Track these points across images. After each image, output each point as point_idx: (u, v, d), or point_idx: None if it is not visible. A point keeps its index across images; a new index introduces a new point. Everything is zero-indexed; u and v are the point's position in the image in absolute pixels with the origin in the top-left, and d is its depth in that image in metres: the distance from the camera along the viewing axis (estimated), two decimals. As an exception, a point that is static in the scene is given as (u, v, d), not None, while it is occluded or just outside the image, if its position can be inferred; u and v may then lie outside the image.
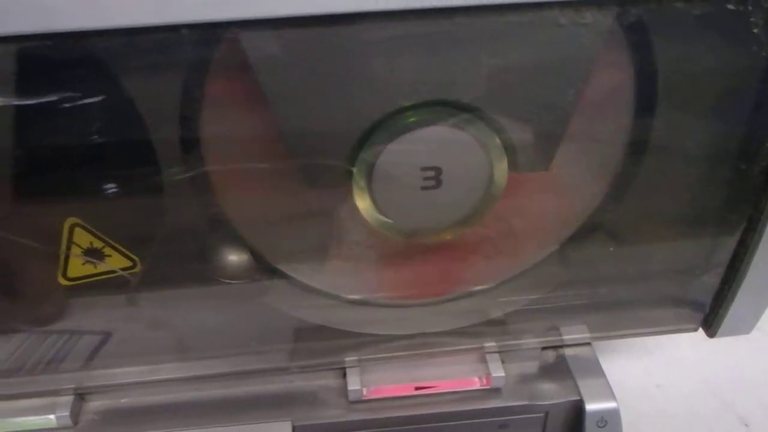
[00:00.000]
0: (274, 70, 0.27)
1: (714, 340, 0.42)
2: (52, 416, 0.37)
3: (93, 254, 0.34)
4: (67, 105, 0.27)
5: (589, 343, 0.41)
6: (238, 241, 0.35)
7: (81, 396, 0.38)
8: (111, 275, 0.35)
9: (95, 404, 0.38)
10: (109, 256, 0.34)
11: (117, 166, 0.31)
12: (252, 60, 0.26)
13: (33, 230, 0.32)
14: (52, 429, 0.37)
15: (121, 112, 0.28)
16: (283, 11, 0.25)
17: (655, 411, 0.49)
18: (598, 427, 0.38)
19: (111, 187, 0.30)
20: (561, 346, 0.41)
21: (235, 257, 0.35)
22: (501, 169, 0.30)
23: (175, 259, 0.35)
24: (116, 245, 0.34)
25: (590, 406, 0.38)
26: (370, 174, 0.30)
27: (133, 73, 0.27)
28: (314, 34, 0.26)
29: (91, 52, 0.26)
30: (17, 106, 0.27)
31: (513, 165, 0.30)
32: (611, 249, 0.35)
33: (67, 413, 0.37)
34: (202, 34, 0.27)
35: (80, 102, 0.27)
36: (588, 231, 0.36)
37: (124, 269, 0.35)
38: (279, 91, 0.27)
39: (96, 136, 0.29)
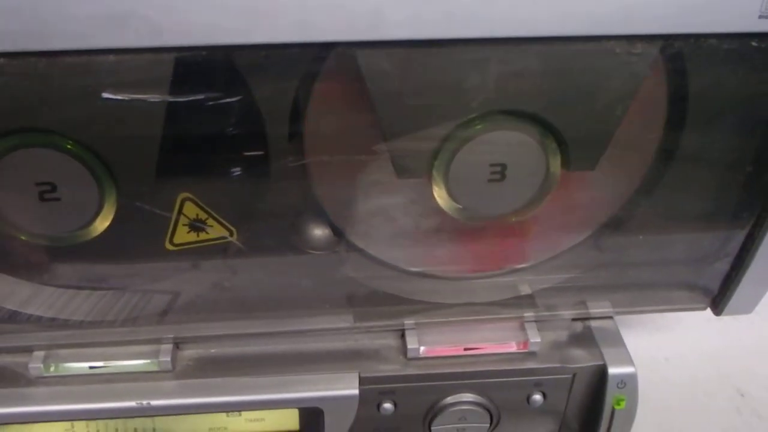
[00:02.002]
0: (383, 81, 0.32)
1: (715, 322, 0.48)
2: (155, 361, 0.43)
3: (197, 224, 0.40)
4: (209, 103, 0.33)
5: (611, 317, 0.47)
6: (324, 219, 0.41)
7: (177, 345, 0.44)
8: (210, 243, 0.41)
9: (189, 352, 0.44)
10: (211, 226, 0.40)
11: (235, 153, 0.36)
12: (365, 72, 0.32)
13: (155, 202, 0.38)
14: (153, 372, 0.43)
15: (247, 110, 0.34)
16: (393, 35, 0.31)
17: (663, 380, 0.55)
18: (618, 388, 0.44)
19: (235, 171, 0.36)
20: (588, 319, 0.47)
21: (320, 232, 0.41)
22: (555, 167, 0.36)
23: (268, 231, 0.41)
24: (218, 217, 0.40)
25: (612, 370, 0.44)
26: (448, 168, 0.36)
27: (260, 78, 0.33)
28: (416, 54, 0.32)
29: (231, 61, 0.32)
30: (169, 102, 0.32)
31: (566, 164, 0.36)
32: (640, 237, 0.41)
33: (168, 359, 0.42)
34: (319, 50, 0.33)
35: (219, 101, 0.33)
36: (618, 221, 0.42)
37: (221, 238, 0.40)
38: (385, 98, 0.33)
39: (226, 129, 0.35)
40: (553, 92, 0.33)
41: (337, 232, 0.41)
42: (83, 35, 0.29)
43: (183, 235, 0.40)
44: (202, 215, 0.39)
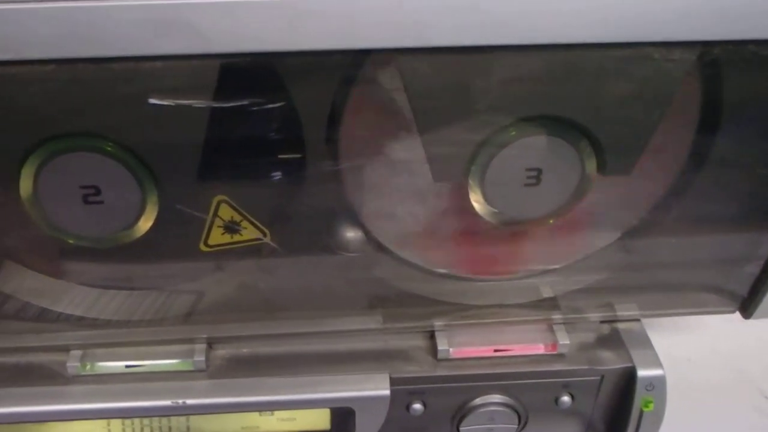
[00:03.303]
0: (421, 87, 0.33)
1: (738, 323, 0.48)
2: (189, 360, 0.43)
3: (232, 226, 0.40)
4: (250, 108, 0.34)
5: (638, 319, 0.47)
6: (357, 221, 0.41)
7: (210, 345, 0.44)
8: (243, 244, 0.41)
9: (222, 352, 0.45)
10: (245, 228, 0.40)
11: (272, 157, 0.37)
12: (404, 78, 0.33)
13: (194, 205, 0.39)
14: (188, 371, 0.43)
15: (285, 115, 0.35)
16: (433, 42, 0.31)
17: (685, 381, 0.55)
18: (647, 390, 0.44)
19: (271, 174, 0.37)
20: (615, 321, 0.47)
21: (352, 234, 0.42)
22: (591, 171, 0.37)
23: (301, 233, 0.41)
24: (252, 220, 0.40)
25: (641, 373, 0.44)
26: (484, 172, 0.36)
27: (299, 83, 0.34)
28: (455, 60, 0.32)
29: (272, 67, 0.33)
30: (213, 108, 0.33)
31: (601, 169, 0.36)
32: (670, 240, 0.42)
33: (202, 358, 0.43)
34: (358, 55, 0.33)
35: (259, 106, 0.34)
36: (649, 224, 0.42)
37: (255, 240, 0.41)
38: (423, 103, 0.33)
39: (264, 133, 0.35)
40: (591, 98, 0.34)
41: (370, 234, 0.41)
42: (131, 42, 0.30)
43: (217, 237, 0.41)
44: (237, 217, 0.40)
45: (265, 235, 0.41)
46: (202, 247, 0.41)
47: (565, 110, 0.34)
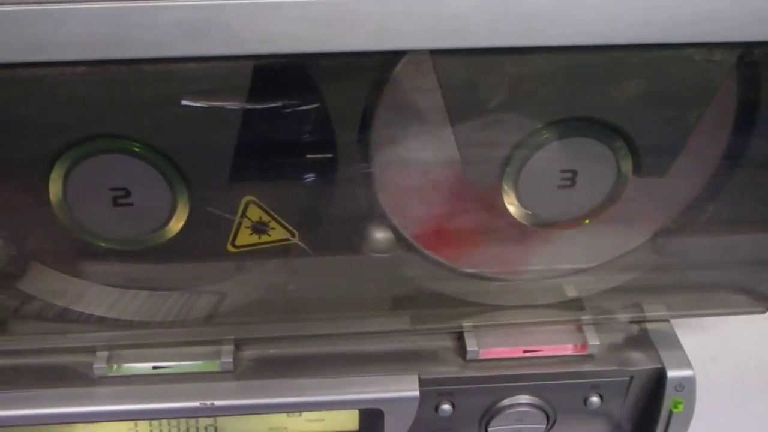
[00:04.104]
0: (458, 88, 0.32)
1: (763, 321, 0.48)
2: (217, 361, 0.43)
3: (260, 226, 0.40)
4: (283, 110, 0.33)
5: (668, 320, 0.47)
6: (387, 222, 0.41)
7: (237, 346, 0.44)
8: (271, 245, 0.41)
9: (249, 353, 0.44)
10: (273, 229, 0.40)
11: (302, 158, 0.37)
12: (441, 79, 0.32)
13: (223, 206, 0.38)
14: (215, 372, 0.43)
15: (317, 116, 0.34)
16: (470, 43, 0.31)
17: (708, 380, 0.55)
18: (676, 391, 0.44)
19: (301, 175, 0.36)
20: (644, 321, 0.47)
21: (381, 235, 0.41)
22: (626, 173, 0.36)
23: (330, 234, 0.41)
24: (281, 220, 0.40)
25: (671, 373, 0.43)
26: (518, 174, 0.36)
27: (332, 85, 0.33)
28: (492, 62, 0.32)
29: (305, 68, 0.32)
30: (245, 109, 0.33)
31: (636, 170, 0.36)
32: (702, 241, 0.41)
33: (230, 360, 0.43)
34: (392, 56, 0.33)
35: (292, 108, 0.33)
36: (681, 225, 0.42)
37: (282, 240, 0.41)
38: (459, 105, 0.33)
39: (296, 134, 0.35)
40: (630, 99, 0.33)
41: (400, 235, 0.41)
42: (163, 44, 0.29)
43: (245, 237, 0.40)
44: (266, 218, 0.39)
45: (293, 235, 0.40)
46: (230, 248, 0.40)
47: (602, 112, 0.34)
